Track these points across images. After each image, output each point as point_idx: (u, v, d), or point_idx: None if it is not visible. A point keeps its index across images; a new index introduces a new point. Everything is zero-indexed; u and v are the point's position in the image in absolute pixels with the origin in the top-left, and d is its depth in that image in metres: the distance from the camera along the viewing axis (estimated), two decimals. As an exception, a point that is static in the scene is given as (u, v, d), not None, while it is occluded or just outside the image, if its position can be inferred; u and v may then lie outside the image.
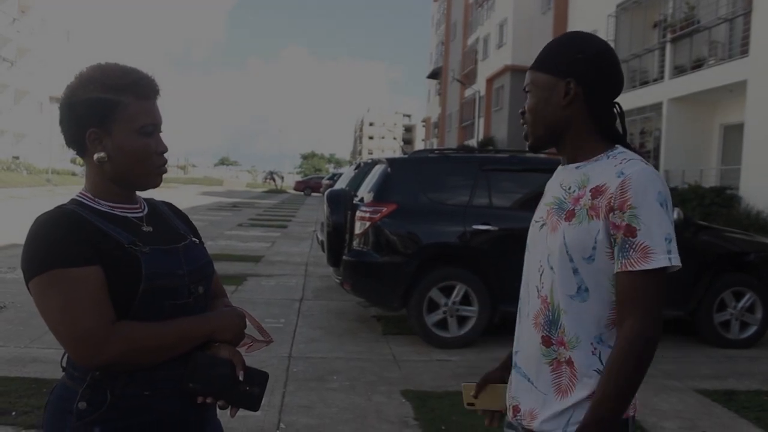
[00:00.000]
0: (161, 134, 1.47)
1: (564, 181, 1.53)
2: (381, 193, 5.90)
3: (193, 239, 1.54)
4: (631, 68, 20.01)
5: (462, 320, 5.77)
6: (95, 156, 1.40)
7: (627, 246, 1.37)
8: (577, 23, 24.40)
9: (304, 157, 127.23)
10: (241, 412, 1.43)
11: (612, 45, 1.58)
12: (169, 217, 1.57)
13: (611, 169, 1.43)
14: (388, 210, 5.75)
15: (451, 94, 46.78)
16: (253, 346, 1.56)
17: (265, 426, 3.80)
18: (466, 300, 5.74)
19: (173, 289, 1.40)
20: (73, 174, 41.00)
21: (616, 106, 1.54)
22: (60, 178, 36.58)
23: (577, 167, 1.51)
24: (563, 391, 1.45)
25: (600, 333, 1.43)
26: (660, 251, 1.35)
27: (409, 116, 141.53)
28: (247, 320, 1.54)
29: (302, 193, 47.85)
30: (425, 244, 5.81)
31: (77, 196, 1.45)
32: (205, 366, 1.38)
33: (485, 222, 5.76)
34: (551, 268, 1.47)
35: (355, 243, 5.96)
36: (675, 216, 5.55)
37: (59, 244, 1.31)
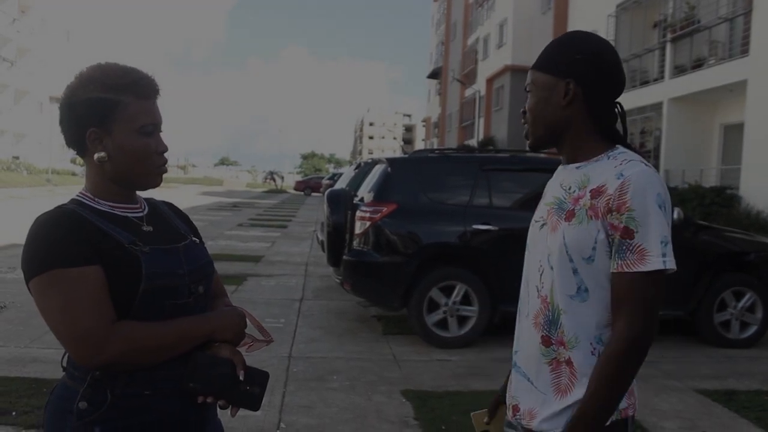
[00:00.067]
0: (161, 134, 1.47)
1: (564, 181, 1.53)
2: (381, 192, 5.90)
3: (194, 239, 1.55)
4: (632, 68, 20.01)
5: (462, 320, 5.77)
6: (95, 156, 1.40)
7: (624, 247, 1.37)
8: (577, 23, 24.40)
9: (304, 157, 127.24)
10: (242, 412, 1.43)
11: (612, 45, 1.57)
12: (169, 217, 1.57)
13: (611, 170, 1.43)
14: (388, 210, 5.75)
15: (451, 94, 46.78)
16: (253, 346, 1.56)
17: (265, 426, 3.80)
18: (466, 300, 5.74)
19: (173, 288, 1.40)
20: (73, 174, 41.01)
21: (618, 106, 1.54)
22: (60, 178, 36.59)
23: (577, 167, 1.51)
24: (562, 391, 1.45)
25: (600, 333, 1.43)
26: (656, 254, 1.35)
27: (409, 116, 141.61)
28: (247, 320, 1.54)
29: (302, 193, 47.85)
30: (425, 244, 5.81)
31: (77, 195, 1.45)
32: (205, 366, 1.38)
33: (485, 222, 5.76)
34: (551, 268, 1.48)
35: (355, 243, 5.96)
36: (675, 216, 5.56)
37: (59, 244, 1.31)
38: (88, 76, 1.40)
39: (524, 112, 1.58)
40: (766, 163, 14.08)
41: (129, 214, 1.45)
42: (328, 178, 33.73)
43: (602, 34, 19.31)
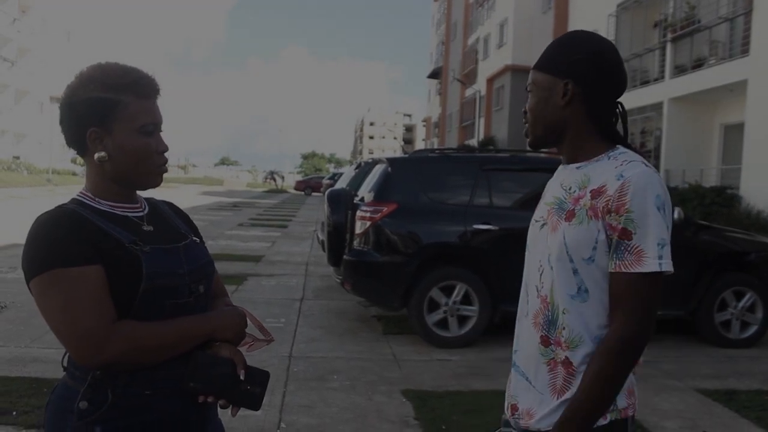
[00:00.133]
0: (161, 133, 1.47)
1: (565, 181, 1.53)
2: (381, 192, 5.90)
3: (194, 238, 1.55)
4: (632, 68, 20.00)
5: (462, 320, 5.77)
6: (96, 155, 1.40)
7: (622, 248, 1.38)
8: (577, 23, 24.40)
9: (305, 157, 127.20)
10: (242, 412, 1.43)
11: (613, 44, 1.57)
12: (169, 217, 1.57)
13: (612, 170, 1.43)
14: (388, 210, 5.75)
15: (451, 93, 46.78)
16: (254, 345, 1.56)
17: (265, 425, 3.81)
18: (466, 299, 5.74)
19: (174, 288, 1.40)
20: (74, 174, 41.01)
21: (619, 106, 1.54)
22: (60, 178, 36.59)
23: (577, 167, 1.51)
24: (559, 391, 1.45)
25: (600, 333, 1.43)
26: (652, 256, 1.36)
27: (409, 116, 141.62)
28: (247, 319, 1.54)
29: (303, 192, 47.84)
30: (426, 244, 5.81)
31: (78, 195, 1.45)
32: (206, 365, 1.38)
33: (486, 222, 5.76)
34: (551, 267, 1.48)
35: (355, 243, 5.96)
36: (675, 216, 5.55)
37: (60, 243, 1.31)
38: (88, 76, 1.40)
39: (525, 112, 1.58)
40: (767, 163, 14.08)
41: (129, 214, 1.45)
42: (329, 178, 33.76)
43: (602, 34, 19.16)
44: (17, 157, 38.94)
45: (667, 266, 1.37)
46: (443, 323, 5.76)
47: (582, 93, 1.48)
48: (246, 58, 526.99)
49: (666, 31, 18.78)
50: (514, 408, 1.56)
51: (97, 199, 1.43)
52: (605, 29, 20.77)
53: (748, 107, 15.10)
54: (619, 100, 1.54)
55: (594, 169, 1.47)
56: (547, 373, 1.47)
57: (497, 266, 5.71)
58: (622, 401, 1.44)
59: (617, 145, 1.51)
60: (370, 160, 9.31)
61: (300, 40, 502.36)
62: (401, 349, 5.65)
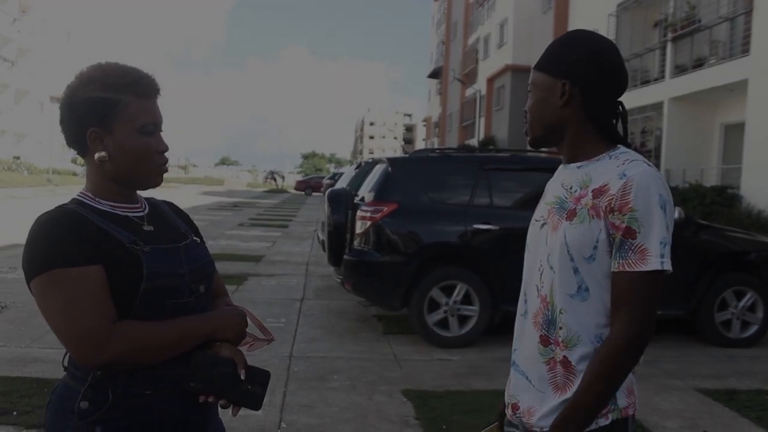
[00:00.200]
0: (162, 133, 1.47)
1: (565, 180, 1.53)
2: (382, 192, 5.90)
3: (194, 238, 1.55)
4: (632, 67, 19.98)
5: (463, 319, 5.77)
6: (96, 155, 1.40)
7: (626, 247, 1.37)
8: (577, 23, 24.38)
9: (305, 157, 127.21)
10: (243, 411, 1.43)
11: (614, 44, 1.57)
12: (170, 217, 1.57)
13: (613, 169, 1.43)
14: (388, 209, 5.75)
15: (451, 93, 46.77)
16: (254, 345, 1.56)
17: (266, 425, 3.81)
18: (467, 299, 5.74)
19: (174, 288, 1.40)
20: (74, 174, 41.01)
21: (620, 105, 1.54)
22: (61, 178, 36.59)
23: (578, 167, 1.51)
24: (560, 389, 1.46)
25: (600, 332, 1.43)
26: (655, 254, 1.36)
27: (409, 116, 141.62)
28: (248, 319, 1.54)
29: (303, 192, 47.83)
30: (426, 244, 5.81)
31: (78, 195, 1.45)
32: (206, 365, 1.38)
33: (486, 221, 5.76)
34: (551, 267, 1.48)
35: (355, 242, 5.96)
36: (676, 215, 5.55)
37: (60, 243, 1.31)
38: (88, 76, 1.40)
39: (526, 112, 1.59)
40: (767, 162, 14.07)
41: (130, 214, 1.45)
42: (329, 178, 33.76)
43: (603, 34, 19.23)
44: (17, 157, 38.94)
45: (668, 265, 1.37)
46: (444, 323, 5.76)
47: (581, 93, 1.48)
48: (246, 58, 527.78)
49: (666, 31, 18.77)
50: (515, 407, 1.56)
51: (97, 199, 1.43)
52: (605, 29, 20.75)
53: (748, 107, 15.10)
54: (619, 99, 1.54)
55: (595, 169, 1.47)
56: (547, 373, 1.48)
57: (497, 266, 5.71)
58: (622, 400, 1.44)
59: (618, 145, 1.51)
60: (370, 160, 9.30)
61: (300, 40, 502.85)
62: (402, 348, 5.65)
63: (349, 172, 12.16)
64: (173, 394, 1.38)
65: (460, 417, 4.00)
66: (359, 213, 5.89)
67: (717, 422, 4.15)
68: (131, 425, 1.35)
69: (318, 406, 4.18)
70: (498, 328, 5.82)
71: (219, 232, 15.22)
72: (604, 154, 1.49)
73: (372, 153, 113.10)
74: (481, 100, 35.89)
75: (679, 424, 4.09)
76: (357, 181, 8.52)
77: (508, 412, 1.60)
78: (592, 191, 1.44)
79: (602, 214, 1.40)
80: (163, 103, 1.48)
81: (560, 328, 1.45)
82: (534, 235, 1.58)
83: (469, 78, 39.37)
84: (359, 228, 5.86)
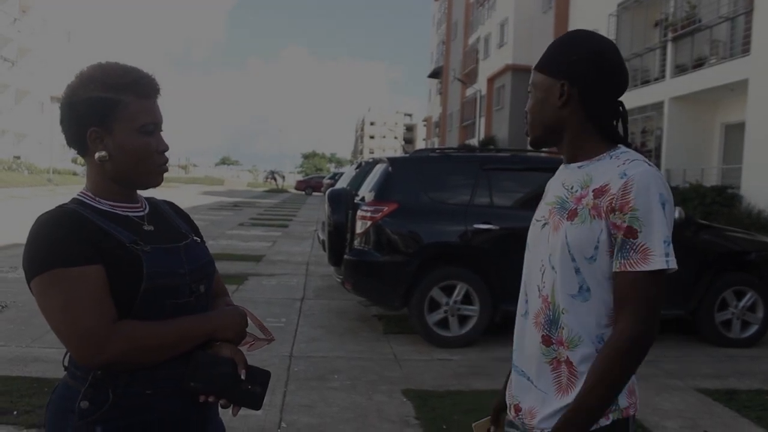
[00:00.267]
0: (162, 133, 1.47)
1: (566, 180, 1.53)
2: (382, 192, 5.90)
3: (195, 238, 1.54)
4: (633, 67, 19.98)
5: (463, 319, 5.77)
6: (96, 155, 1.40)
7: (627, 247, 1.37)
8: (578, 22, 24.37)
9: (305, 157, 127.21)
10: (243, 411, 1.43)
11: (614, 44, 1.57)
12: (170, 216, 1.57)
13: (614, 169, 1.43)
14: (389, 209, 5.75)
15: (452, 93, 46.77)
16: (254, 345, 1.56)
17: (266, 425, 3.81)
18: (467, 299, 5.74)
19: (174, 288, 1.40)
20: (74, 174, 41.02)
21: (620, 105, 1.54)
22: (61, 178, 36.59)
23: (579, 167, 1.51)
24: (563, 390, 1.45)
25: (601, 333, 1.43)
26: (658, 253, 1.35)
27: (410, 115, 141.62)
28: (248, 319, 1.54)
29: (303, 192, 47.85)
30: (426, 244, 5.81)
31: (78, 195, 1.45)
32: (206, 365, 1.38)
33: (486, 221, 5.76)
34: (552, 267, 1.47)
35: (356, 242, 5.96)
36: (676, 215, 5.55)
37: (60, 243, 1.31)
38: (88, 76, 1.40)
39: (526, 113, 1.59)
40: (767, 162, 14.06)
41: (130, 214, 1.45)
42: (329, 178, 33.74)
43: (603, 34, 19.23)
44: (18, 157, 38.94)
45: (673, 264, 1.37)
46: (444, 323, 5.76)
47: (580, 93, 1.48)
48: (246, 58, 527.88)
49: (667, 31, 18.76)
50: (517, 408, 1.55)
51: (97, 199, 1.43)
52: (606, 29, 20.75)
53: (748, 107, 15.09)
54: (619, 99, 1.54)
55: (596, 169, 1.47)
56: (551, 373, 1.47)
57: (498, 266, 5.71)
58: (623, 400, 1.44)
59: (618, 145, 1.51)
60: (370, 160, 9.30)
61: (300, 40, 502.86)
62: (402, 348, 5.65)
63: (349, 171, 12.16)
64: (173, 393, 1.38)
65: (460, 417, 4.00)
66: (359, 213, 5.89)
67: (717, 422, 4.15)
68: (131, 425, 1.35)
69: (318, 406, 4.18)
70: (498, 327, 5.82)
71: (219, 231, 15.23)
72: (604, 154, 1.49)
73: (372, 153, 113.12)
74: (482, 99, 35.89)
75: (679, 424, 4.09)
76: (357, 180, 8.52)
77: (510, 413, 1.60)
78: (593, 191, 1.43)
79: (603, 214, 1.40)
80: (163, 103, 1.48)
81: (562, 329, 1.45)
82: (535, 235, 1.58)
83: (469, 78, 39.36)
84: (359, 228, 5.86)
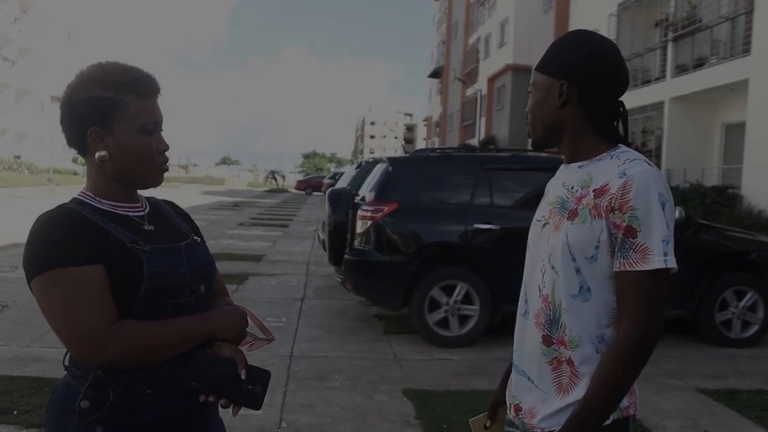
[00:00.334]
0: (162, 133, 1.47)
1: (567, 180, 1.53)
2: (382, 192, 5.90)
3: (195, 238, 1.54)
4: (633, 67, 19.97)
5: (463, 319, 5.77)
6: (96, 155, 1.40)
7: (627, 246, 1.37)
8: (578, 22, 24.36)
9: (306, 157, 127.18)
10: (243, 411, 1.43)
11: (614, 44, 1.57)
12: (170, 216, 1.57)
13: (614, 169, 1.43)
14: (389, 209, 5.75)
15: (452, 93, 46.77)
16: (254, 345, 1.56)
17: (266, 425, 3.81)
18: (467, 299, 5.74)
19: (175, 287, 1.40)
20: (75, 173, 41.04)
21: (621, 105, 1.54)
22: (61, 178, 36.59)
23: (579, 166, 1.51)
24: (564, 390, 1.45)
25: (602, 332, 1.43)
26: (657, 253, 1.35)
27: (410, 115, 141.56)
28: (248, 319, 1.54)
29: (304, 192, 47.85)
30: (427, 243, 5.81)
31: (79, 195, 1.45)
32: (207, 364, 1.38)
33: (487, 221, 5.76)
34: (553, 267, 1.47)
35: (356, 242, 5.96)
36: (677, 215, 5.55)
37: (61, 243, 1.31)
38: (89, 75, 1.40)
39: (527, 113, 1.59)
40: (767, 162, 14.08)
41: (130, 213, 1.45)
42: (330, 178, 33.75)
43: (603, 33, 19.18)
44: (18, 157, 38.96)
45: (672, 263, 1.37)
46: (444, 323, 5.76)
47: (579, 93, 1.48)
48: (246, 57, 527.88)
49: (667, 31, 18.76)
50: (517, 408, 1.55)
51: (98, 199, 1.43)
52: (606, 29, 20.75)
53: (749, 106, 15.09)
54: (619, 99, 1.54)
55: (596, 168, 1.47)
56: (551, 372, 1.47)
57: (498, 266, 5.71)
58: (623, 400, 1.43)
59: (619, 145, 1.51)
60: (371, 160, 9.31)
61: (300, 40, 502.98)
62: (402, 348, 5.65)
63: (349, 171, 12.17)
64: (174, 393, 1.38)
65: (460, 417, 3.99)
66: (360, 212, 5.89)
67: (717, 422, 4.15)
68: (132, 424, 1.35)
69: (318, 406, 4.18)
70: (498, 327, 5.82)
71: (219, 231, 15.23)
72: (604, 154, 1.49)
73: (373, 152, 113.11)
74: (482, 99, 35.89)
75: (679, 424, 4.09)
76: (358, 180, 8.52)
77: (511, 413, 1.60)
78: (594, 191, 1.43)
79: (603, 213, 1.40)
80: (163, 102, 1.48)
81: (564, 329, 1.45)
82: (535, 235, 1.58)
83: (469, 77, 39.36)
84: (360, 227, 5.86)
